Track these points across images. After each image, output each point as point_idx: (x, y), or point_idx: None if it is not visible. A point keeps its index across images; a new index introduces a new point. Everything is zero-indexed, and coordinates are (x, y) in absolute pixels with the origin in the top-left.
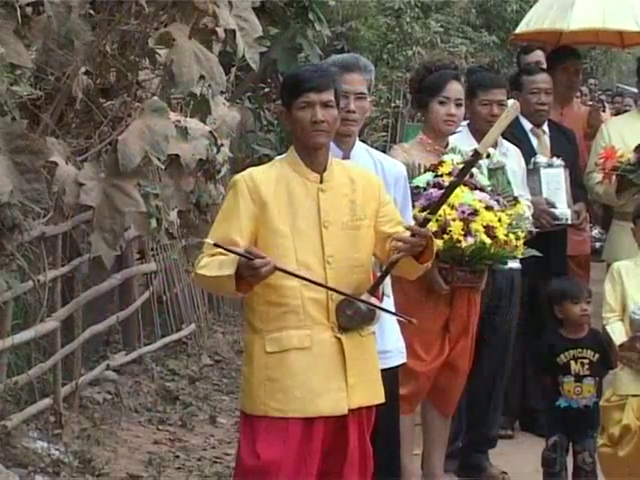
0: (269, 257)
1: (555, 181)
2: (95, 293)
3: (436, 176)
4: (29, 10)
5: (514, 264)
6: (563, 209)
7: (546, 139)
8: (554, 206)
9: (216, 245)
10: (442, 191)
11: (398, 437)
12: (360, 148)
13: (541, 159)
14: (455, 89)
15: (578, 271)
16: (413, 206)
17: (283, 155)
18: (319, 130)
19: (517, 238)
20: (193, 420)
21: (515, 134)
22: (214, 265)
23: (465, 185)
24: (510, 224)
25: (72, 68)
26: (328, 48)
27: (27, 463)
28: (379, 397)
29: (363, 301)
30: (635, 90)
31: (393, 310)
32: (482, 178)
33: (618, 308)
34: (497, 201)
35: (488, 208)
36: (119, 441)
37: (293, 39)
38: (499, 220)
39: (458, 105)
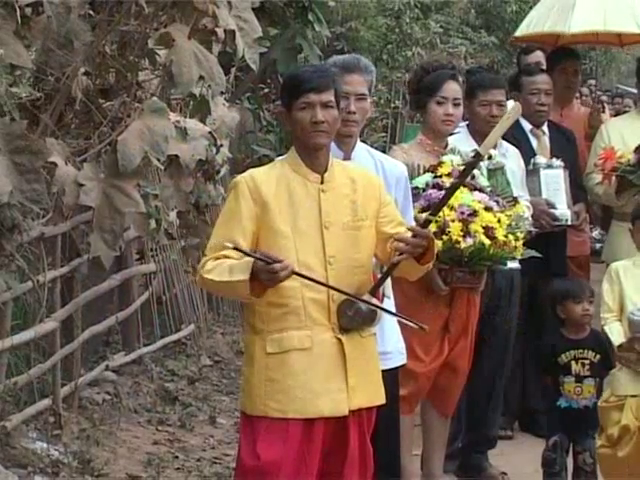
0: (287, 261)
1: (555, 182)
2: (94, 294)
3: (435, 177)
4: (29, 11)
5: (513, 264)
6: (563, 210)
7: (546, 140)
8: (554, 207)
9: (236, 249)
10: (441, 192)
11: (398, 438)
12: (361, 149)
13: (541, 160)
14: (452, 89)
15: (578, 272)
16: (412, 207)
17: (284, 156)
18: (319, 131)
19: (516, 239)
20: (192, 421)
21: (515, 135)
22: (223, 270)
23: (464, 186)
24: (509, 225)
25: (72, 68)
26: (328, 49)
27: (26, 463)
28: (380, 398)
29: (366, 302)
30: (635, 91)
31: (394, 311)
32: (482, 179)
33: (616, 308)
34: (496, 202)
35: (487, 209)
36: (118, 441)
37: (293, 40)
38: (498, 221)
39: (456, 105)
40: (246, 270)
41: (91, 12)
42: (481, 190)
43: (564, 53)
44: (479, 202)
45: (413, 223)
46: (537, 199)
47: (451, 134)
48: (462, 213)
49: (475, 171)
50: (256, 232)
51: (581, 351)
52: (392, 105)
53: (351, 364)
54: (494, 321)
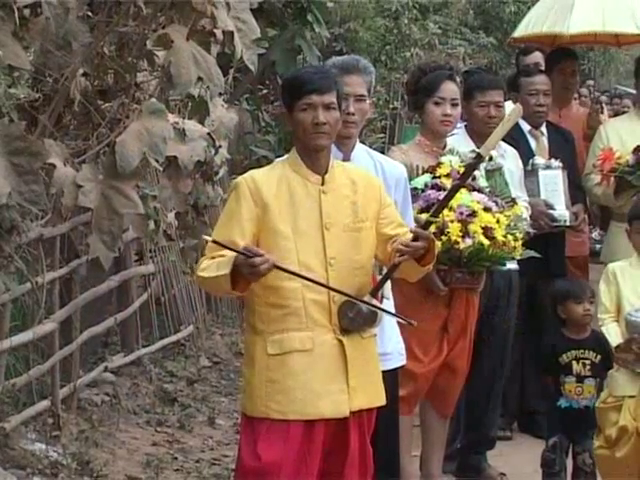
0: (268, 255)
1: (553, 183)
2: (93, 295)
3: (434, 177)
4: (27, 12)
5: (512, 265)
6: (561, 211)
7: (544, 140)
8: (552, 208)
9: (215, 242)
10: (440, 192)
11: (397, 438)
12: (360, 150)
13: (539, 161)
14: (450, 89)
15: (577, 272)
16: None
17: (284, 157)
18: (320, 132)
19: (515, 239)
20: (191, 422)
21: (513, 135)
22: (213, 266)
23: (463, 186)
24: (508, 225)
25: (70, 70)
26: (326, 49)
27: (25, 465)
28: (380, 399)
29: (365, 302)
30: (633, 92)
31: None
32: (482, 180)
33: (613, 309)
34: (495, 202)
35: (486, 209)
36: (117, 443)
37: (291, 40)
38: (497, 221)
39: (454, 105)
40: (229, 265)
41: (89, 13)
42: (480, 191)
43: (562, 54)
44: (478, 203)
45: (413, 224)
46: (536, 200)
47: (449, 134)
48: (461, 214)
49: (476, 172)
50: (256, 233)
51: (582, 351)
52: (390, 106)
53: (352, 365)
54: (493, 321)
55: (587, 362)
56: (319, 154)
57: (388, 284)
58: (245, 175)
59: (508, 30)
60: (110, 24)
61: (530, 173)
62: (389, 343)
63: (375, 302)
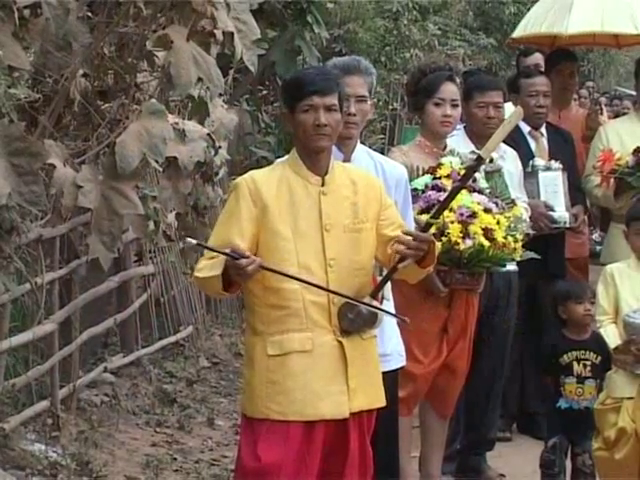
0: (254, 257)
1: (553, 184)
2: (93, 295)
3: (434, 178)
4: (27, 12)
5: (511, 266)
6: (561, 212)
7: (544, 142)
8: (552, 209)
9: (199, 245)
10: (440, 193)
11: (397, 439)
12: (361, 151)
13: (539, 162)
14: (450, 90)
15: (576, 274)
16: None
17: (284, 157)
18: (322, 134)
19: (515, 241)
20: (191, 422)
21: (513, 137)
22: (208, 268)
23: (464, 188)
24: (509, 227)
25: (70, 70)
26: (326, 50)
27: (24, 465)
28: (380, 400)
29: (364, 303)
30: (633, 93)
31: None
32: (482, 181)
33: (611, 311)
34: (496, 204)
35: (487, 211)
36: (116, 443)
37: (291, 41)
38: (498, 223)
39: (454, 106)
40: (220, 266)
41: (89, 14)
42: (480, 192)
43: (561, 55)
44: (479, 204)
45: (413, 225)
46: (535, 201)
47: (449, 135)
48: (461, 215)
49: (476, 174)
50: (256, 234)
51: (583, 352)
52: (390, 107)
53: (352, 366)
54: (492, 322)
55: (588, 363)
56: (319, 155)
57: (388, 285)
58: (245, 176)
59: (508, 31)
60: (110, 25)
61: (530, 174)
62: (389, 344)
63: (375, 303)
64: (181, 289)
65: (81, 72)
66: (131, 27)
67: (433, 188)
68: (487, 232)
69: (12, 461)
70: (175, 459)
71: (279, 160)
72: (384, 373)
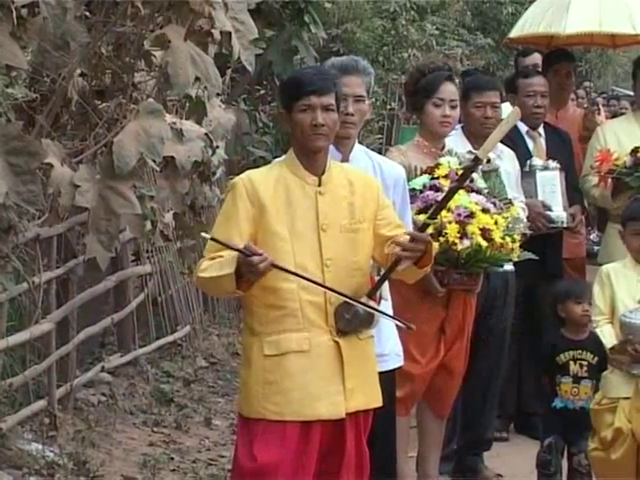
0: (266, 254)
1: (551, 184)
2: (90, 295)
3: (432, 178)
4: (24, 12)
5: (508, 266)
6: (559, 212)
7: (542, 142)
8: (550, 209)
9: (213, 239)
10: (438, 193)
11: (394, 439)
12: (359, 151)
13: (537, 162)
14: (449, 90)
15: (574, 274)
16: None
17: (282, 157)
18: (319, 134)
19: (513, 241)
20: (188, 422)
21: (511, 137)
22: (214, 267)
23: (461, 188)
24: (506, 227)
25: (67, 70)
26: (324, 50)
27: (21, 465)
28: (377, 401)
29: (363, 304)
30: (631, 93)
31: (392, 314)
32: (480, 181)
33: (607, 311)
34: (493, 204)
35: (484, 211)
36: (114, 443)
37: (289, 41)
38: (495, 223)
39: (453, 107)
40: (232, 264)
41: (87, 13)
42: (478, 192)
43: (557, 55)
44: (476, 204)
45: (411, 225)
46: (533, 201)
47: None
48: (459, 215)
49: (473, 174)
50: (254, 234)
51: (580, 352)
52: (388, 107)
53: (348, 367)
54: (489, 322)
55: (584, 363)
56: (316, 155)
57: (386, 285)
58: (242, 175)
59: (505, 31)
60: (108, 24)
61: (528, 174)
62: (387, 344)
63: (372, 304)
64: (178, 289)
65: (79, 71)
66: (129, 27)
67: (431, 188)
68: (485, 232)
69: (9, 461)
70: (172, 459)
71: (276, 160)
72: (382, 373)
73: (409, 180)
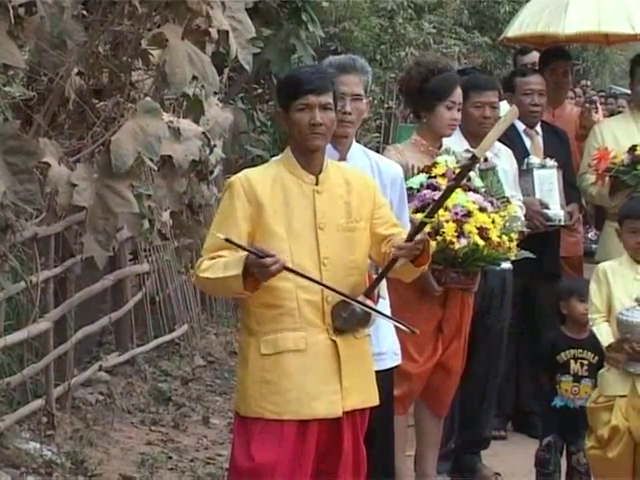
0: (278, 256)
1: (548, 182)
2: (88, 294)
3: (430, 177)
4: (22, 11)
5: (505, 265)
6: (556, 210)
7: (539, 140)
8: (547, 207)
9: (227, 241)
10: (435, 192)
11: (392, 438)
12: (357, 149)
13: (534, 160)
14: (459, 94)
15: (571, 272)
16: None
17: (279, 156)
18: (316, 133)
19: (510, 240)
20: (186, 421)
21: (508, 135)
22: (218, 267)
23: (459, 187)
24: (504, 226)
25: (65, 69)
26: (321, 49)
27: (19, 464)
28: (373, 400)
29: (361, 303)
30: (628, 91)
31: (389, 313)
32: (477, 180)
33: (604, 309)
34: (491, 203)
35: (482, 210)
36: (112, 442)
37: (286, 40)
38: (493, 222)
39: (459, 109)
40: (239, 265)
41: (84, 12)
42: (476, 191)
43: (554, 53)
44: (473, 203)
45: (408, 224)
46: (530, 199)
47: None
48: (456, 214)
49: (470, 172)
50: (251, 232)
51: (581, 351)
52: (385, 105)
53: (345, 365)
54: (487, 321)
55: (585, 362)
56: (314, 154)
57: (384, 283)
58: (239, 174)
59: (503, 30)
60: (105, 23)
61: (525, 172)
62: (384, 343)
63: (369, 303)
64: (176, 287)
65: (76, 70)
66: (126, 26)
67: (428, 187)
68: (482, 231)
69: (7, 459)
70: (170, 458)
71: (274, 159)
72: (379, 372)
73: (406, 179)
